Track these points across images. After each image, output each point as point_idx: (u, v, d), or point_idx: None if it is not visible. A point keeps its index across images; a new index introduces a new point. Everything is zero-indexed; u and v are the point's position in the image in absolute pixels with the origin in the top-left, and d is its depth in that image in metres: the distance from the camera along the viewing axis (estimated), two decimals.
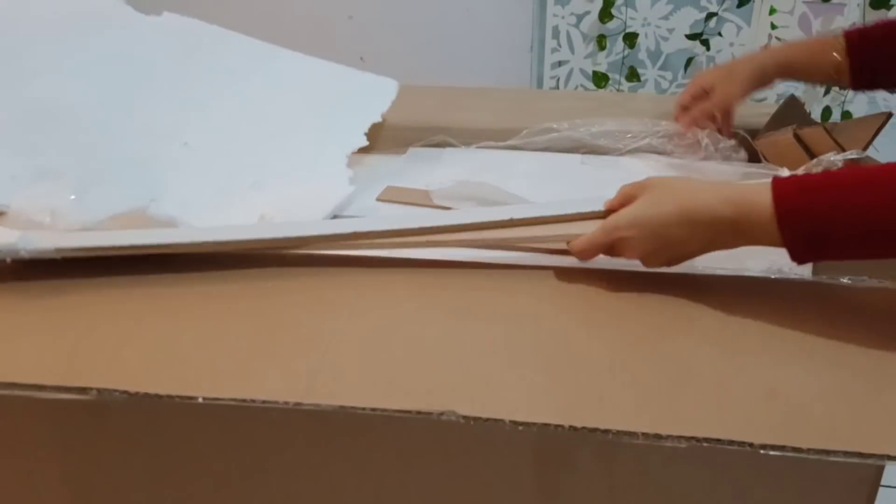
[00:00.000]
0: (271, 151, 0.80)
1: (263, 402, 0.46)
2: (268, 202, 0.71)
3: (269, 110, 0.85)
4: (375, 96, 0.91)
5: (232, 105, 0.84)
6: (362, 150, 0.83)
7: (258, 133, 0.82)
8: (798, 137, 0.84)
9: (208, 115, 0.82)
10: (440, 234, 0.62)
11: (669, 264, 0.58)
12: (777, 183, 0.52)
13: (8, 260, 0.57)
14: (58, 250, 0.58)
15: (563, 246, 0.62)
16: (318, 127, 0.85)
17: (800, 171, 0.76)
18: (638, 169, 0.87)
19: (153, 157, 0.75)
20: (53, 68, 0.78)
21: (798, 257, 0.51)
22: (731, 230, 0.54)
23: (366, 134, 0.84)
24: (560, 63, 1.98)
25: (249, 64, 0.91)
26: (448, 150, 0.95)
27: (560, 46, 1.95)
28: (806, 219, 0.50)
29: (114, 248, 0.59)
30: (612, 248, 0.59)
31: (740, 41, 1.84)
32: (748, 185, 0.54)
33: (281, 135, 0.83)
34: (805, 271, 0.59)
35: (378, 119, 0.87)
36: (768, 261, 0.61)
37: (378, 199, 0.79)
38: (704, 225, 0.54)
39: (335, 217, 0.73)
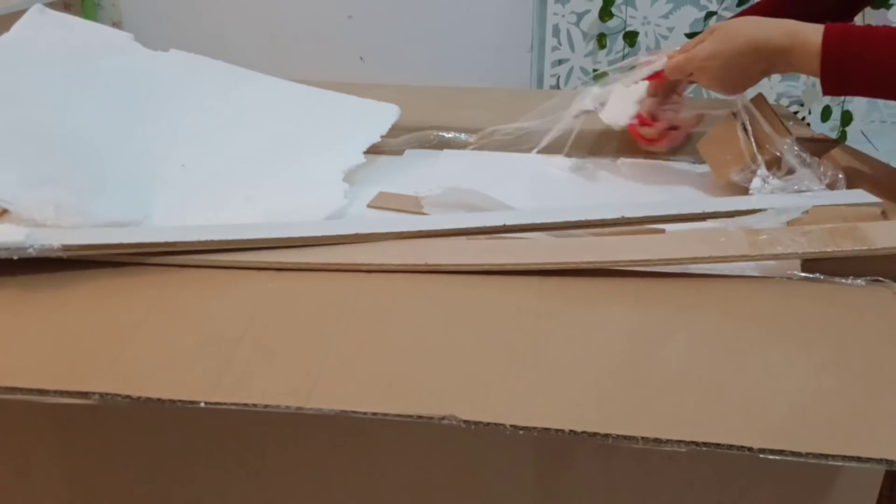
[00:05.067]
0: (267, 169, 0.81)
1: (265, 406, 0.46)
2: (260, 214, 0.71)
3: (269, 135, 0.87)
4: (375, 119, 0.92)
5: (232, 131, 0.86)
6: None
7: (256, 155, 0.83)
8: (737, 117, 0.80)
9: (207, 140, 0.83)
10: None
11: (735, 89, 0.77)
12: (828, 28, 0.68)
13: (15, 257, 0.58)
14: (64, 247, 0.58)
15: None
16: (316, 147, 0.86)
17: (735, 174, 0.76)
18: (628, 171, 0.88)
19: (150, 176, 0.76)
20: (60, 92, 0.80)
21: (828, 89, 0.69)
22: (784, 58, 0.71)
23: (364, 153, 0.85)
24: (560, 61, 1.98)
25: (253, 94, 0.92)
26: (445, 151, 0.95)
27: (560, 45, 1.95)
28: (841, 61, 0.67)
29: (120, 245, 0.60)
30: (692, 75, 0.79)
31: None
32: (804, 24, 0.70)
33: (278, 155, 0.84)
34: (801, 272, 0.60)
35: (377, 139, 0.88)
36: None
37: (369, 206, 0.80)
38: (767, 52, 0.71)
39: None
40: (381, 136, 0.89)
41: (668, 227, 0.67)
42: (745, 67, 0.73)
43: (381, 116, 0.92)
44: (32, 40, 0.84)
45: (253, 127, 0.87)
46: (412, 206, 0.78)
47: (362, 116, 0.92)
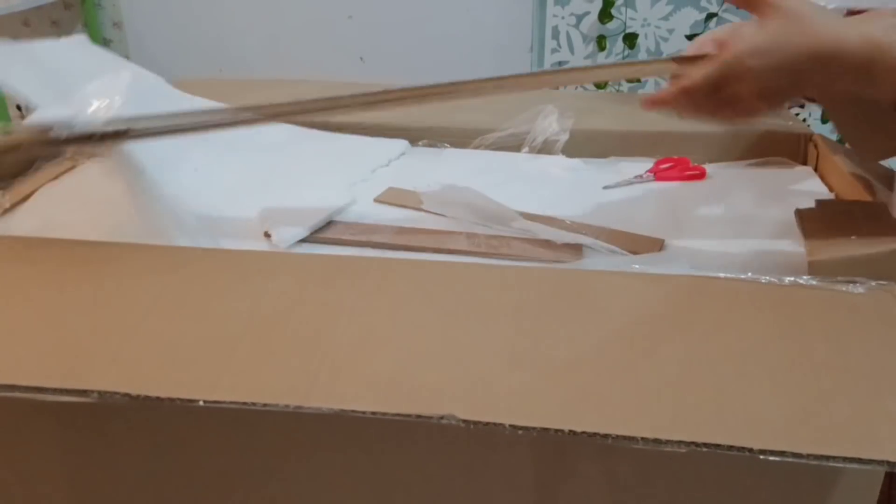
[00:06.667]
0: (277, 180, 0.83)
1: (264, 405, 0.46)
2: (267, 210, 0.72)
3: (279, 155, 0.89)
4: (384, 149, 0.93)
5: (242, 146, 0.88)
6: None
7: (265, 165, 0.86)
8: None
9: (217, 147, 0.85)
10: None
11: (778, 104, 0.55)
12: None
13: (64, 136, 0.60)
14: (106, 122, 0.62)
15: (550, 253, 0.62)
16: (325, 165, 0.88)
17: None
18: (630, 172, 0.88)
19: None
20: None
21: None
22: (863, 73, 0.50)
23: (371, 171, 0.87)
24: (560, 63, 1.98)
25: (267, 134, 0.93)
26: (447, 150, 0.95)
27: (560, 47, 1.96)
28: None
29: (159, 116, 0.65)
30: (722, 85, 0.53)
31: None
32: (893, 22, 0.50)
33: (287, 167, 0.86)
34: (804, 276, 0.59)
35: (385, 164, 0.91)
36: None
37: (376, 200, 0.80)
38: (837, 63, 0.50)
39: (331, 222, 0.74)
40: (390, 160, 0.92)
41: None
42: (802, 80, 0.52)
43: (390, 147, 0.94)
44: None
45: (263, 149, 0.89)
46: (416, 202, 0.78)
47: (371, 153, 0.93)
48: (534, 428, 0.44)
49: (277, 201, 0.76)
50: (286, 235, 0.71)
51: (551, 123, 0.93)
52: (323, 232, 0.73)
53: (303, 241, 0.72)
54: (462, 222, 0.73)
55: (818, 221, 0.63)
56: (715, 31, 0.56)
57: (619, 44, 1.91)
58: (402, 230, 0.74)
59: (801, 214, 0.65)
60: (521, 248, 0.68)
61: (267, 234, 0.72)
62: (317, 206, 0.75)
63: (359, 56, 1.97)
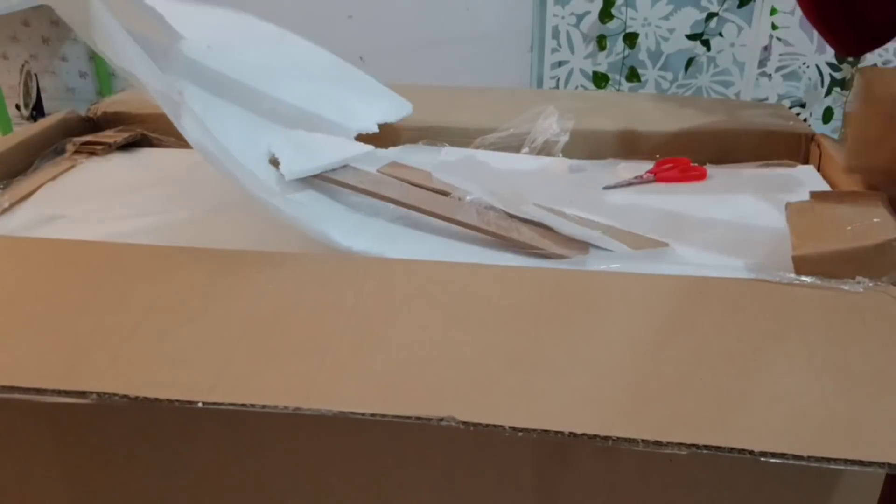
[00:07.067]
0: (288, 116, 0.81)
1: (263, 406, 0.46)
2: (279, 137, 0.71)
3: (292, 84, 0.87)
4: (391, 105, 0.92)
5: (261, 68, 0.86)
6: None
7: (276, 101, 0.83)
8: None
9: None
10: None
11: None
12: None
13: None
14: None
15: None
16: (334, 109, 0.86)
17: None
18: (629, 174, 0.87)
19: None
20: None
21: None
22: None
23: (378, 125, 0.86)
24: (560, 63, 1.98)
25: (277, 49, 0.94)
26: (446, 148, 0.95)
27: (560, 46, 1.95)
28: None
29: None
30: None
31: (741, 41, 1.84)
32: None
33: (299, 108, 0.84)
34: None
35: (391, 120, 0.91)
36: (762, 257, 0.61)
37: (379, 171, 0.79)
38: None
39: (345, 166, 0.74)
40: (386, 123, 0.90)
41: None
42: None
43: (396, 106, 0.93)
44: None
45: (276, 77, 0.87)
46: (423, 179, 0.77)
47: (380, 97, 0.92)
48: (534, 430, 0.44)
49: (290, 130, 0.75)
50: (295, 168, 0.70)
51: (551, 124, 0.93)
52: (332, 172, 0.72)
53: (309, 178, 0.71)
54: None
55: (807, 215, 0.63)
56: None
57: (620, 43, 1.91)
58: (412, 190, 0.72)
59: (791, 208, 0.64)
60: (529, 235, 0.67)
61: (274, 161, 0.71)
62: (330, 146, 0.74)
63: (359, 56, 1.96)
